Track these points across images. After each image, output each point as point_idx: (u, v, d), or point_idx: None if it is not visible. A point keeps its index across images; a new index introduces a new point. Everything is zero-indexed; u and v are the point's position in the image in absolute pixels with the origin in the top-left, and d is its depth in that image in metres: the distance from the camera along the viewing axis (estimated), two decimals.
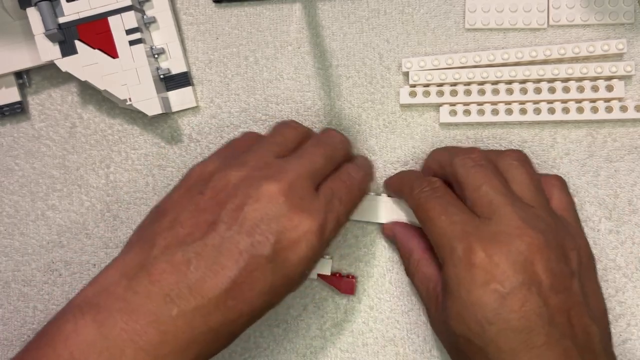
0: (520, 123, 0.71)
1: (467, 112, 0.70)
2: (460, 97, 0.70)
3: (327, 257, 0.72)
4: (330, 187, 0.58)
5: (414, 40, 0.73)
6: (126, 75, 0.71)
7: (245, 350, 0.75)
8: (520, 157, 0.62)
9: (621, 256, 0.69)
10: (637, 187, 0.70)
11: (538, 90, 0.69)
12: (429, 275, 0.62)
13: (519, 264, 0.52)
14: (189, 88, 0.75)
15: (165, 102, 0.74)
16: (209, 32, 0.76)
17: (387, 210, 0.70)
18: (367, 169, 0.67)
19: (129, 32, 0.71)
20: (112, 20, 0.71)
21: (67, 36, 0.71)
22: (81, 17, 0.70)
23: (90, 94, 0.78)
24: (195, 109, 0.77)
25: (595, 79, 0.69)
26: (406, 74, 0.72)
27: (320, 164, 0.59)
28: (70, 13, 0.70)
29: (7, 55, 0.75)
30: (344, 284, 0.72)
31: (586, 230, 0.70)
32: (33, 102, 0.79)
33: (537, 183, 0.60)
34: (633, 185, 0.70)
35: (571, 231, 0.59)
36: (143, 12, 0.74)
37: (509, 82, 0.70)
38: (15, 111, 0.78)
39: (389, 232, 0.70)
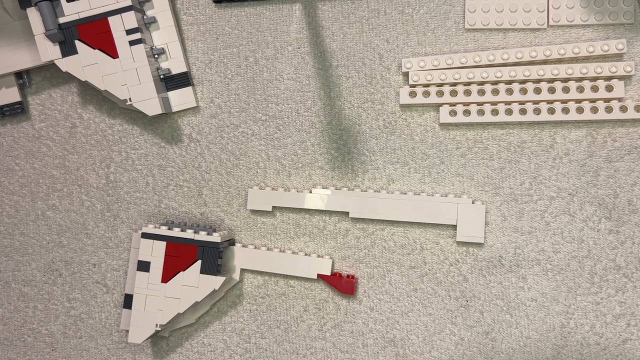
0: (520, 123, 0.71)
1: (467, 112, 0.70)
2: (460, 97, 0.70)
3: (328, 257, 0.73)
4: None
5: (414, 40, 0.73)
6: (126, 75, 0.71)
7: (246, 351, 0.75)
8: None
9: (621, 256, 0.69)
10: (637, 187, 0.69)
11: (538, 91, 0.69)
12: None
13: None
14: (189, 88, 0.75)
15: (165, 102, 0.74)
16: (209, 32, 0.77)
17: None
18: None
19: (129, 32, 0.71)
20: (112, 20, 0.71)
21: (67, 36, 0.71)
22: (81, 17, 0.71)
23: (91, 94, 0.79)
24: (195, 109, 0.77)
25: (595, 79, 0.69)
26: (406, 74, 0.72)
27: None
28: (70, 13, 0.70)
29: (7, 56, 0.75)
30: (344, 283, 0.72)
31: (586, 230, 0.70)
32: (33, 102, 0.79)
33: None
34: (633, 185, 0.70)
35: None
36: (143, 12, 0.74)
37: (509, 82, 0.70)
38: (16, 111, 0.78)
39: None
